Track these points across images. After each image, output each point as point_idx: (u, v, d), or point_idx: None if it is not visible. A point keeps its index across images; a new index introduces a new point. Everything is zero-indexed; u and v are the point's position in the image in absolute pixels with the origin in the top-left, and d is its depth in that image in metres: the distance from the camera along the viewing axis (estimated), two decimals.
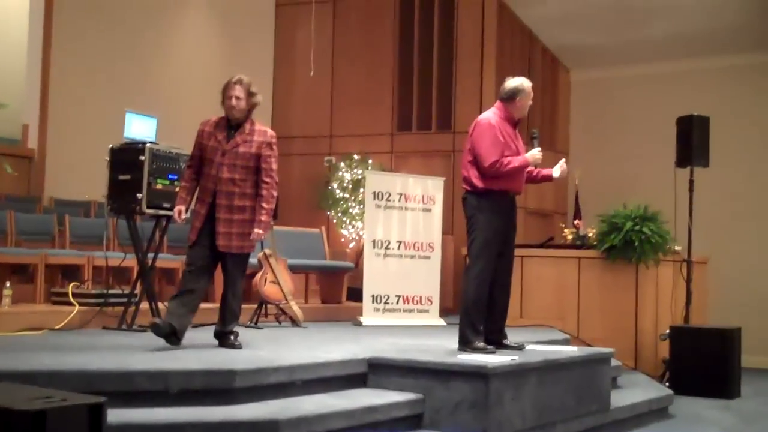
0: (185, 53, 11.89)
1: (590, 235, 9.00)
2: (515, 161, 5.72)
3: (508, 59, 12.17)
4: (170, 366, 4.52)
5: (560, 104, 13.33)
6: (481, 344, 5.62)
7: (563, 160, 6.04)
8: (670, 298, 8.57)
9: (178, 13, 12.08)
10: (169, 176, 6.72)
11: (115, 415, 3.71)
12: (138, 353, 5.09)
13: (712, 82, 11.96)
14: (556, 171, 5.94)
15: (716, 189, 10.73)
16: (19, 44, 10.62)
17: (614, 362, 6.59)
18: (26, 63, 10.38)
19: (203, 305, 5.91)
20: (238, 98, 5.60)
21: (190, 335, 5.73)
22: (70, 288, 7.07)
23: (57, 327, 6.50)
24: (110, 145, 6.84)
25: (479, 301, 5.70)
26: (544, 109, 12.50)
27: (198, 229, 5.61)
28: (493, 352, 5.51)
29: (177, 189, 6.29)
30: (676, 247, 8.73)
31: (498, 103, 5.91)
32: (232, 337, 5.68)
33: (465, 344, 5.67)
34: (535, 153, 5.80)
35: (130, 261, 7.26)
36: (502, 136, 5.73)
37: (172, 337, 5.44)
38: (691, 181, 8.65)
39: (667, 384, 7.76)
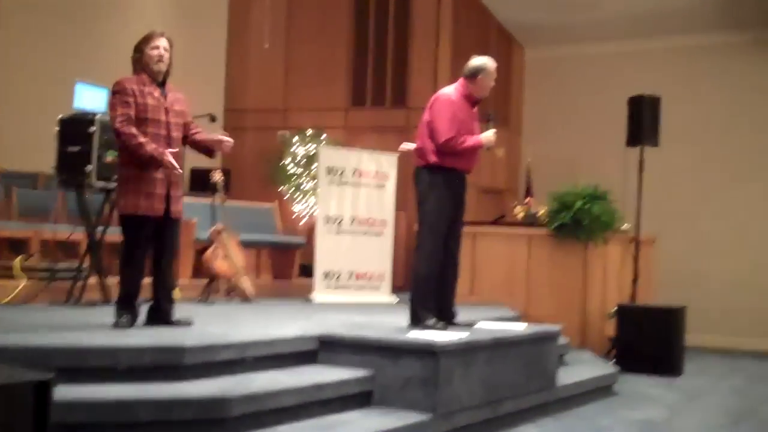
0: (138, 24, 11.64)
1: (541, 213, 9.06)
2: (470, 141, 5.76)
3: (464, 36, 12.15)
4: (119, 342, 4.48)
5: (514, 82, 13.35)
6: (432, 321, 5.66)
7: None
8: (618, 277, 8.69)
9: None
10: None
11: (62, 392, 3.68)
12: (86, 329, 5.04)
13: (664, 62, 12.06)
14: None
15: (666, 169, 10.85)
16: None
17: (562, 340, 6.68)
18: None
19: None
20: (166, 49, 5.38)
21: None
22: (17, 261, 6.97)
23: (3, 301, 6.41)
24: (59, 116, 6.73)
25: (430, 277, 5.74)
26: (498, 86, 12.43)
27: (163, 196, 5.18)
28: (443, 330, 5.56)
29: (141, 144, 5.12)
30: (625, 226, 8.83)
31: (461, 80, 5.95)
32: (176, 314, 5.43)
33: (416, 321, 5.71)
34: (489, 135, 5.85)
35: (79, 235, 7.17)
36: (461, 114, 5.75)
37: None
38: (641, 161, 8.75)
39: (613, 362, 7.89)
